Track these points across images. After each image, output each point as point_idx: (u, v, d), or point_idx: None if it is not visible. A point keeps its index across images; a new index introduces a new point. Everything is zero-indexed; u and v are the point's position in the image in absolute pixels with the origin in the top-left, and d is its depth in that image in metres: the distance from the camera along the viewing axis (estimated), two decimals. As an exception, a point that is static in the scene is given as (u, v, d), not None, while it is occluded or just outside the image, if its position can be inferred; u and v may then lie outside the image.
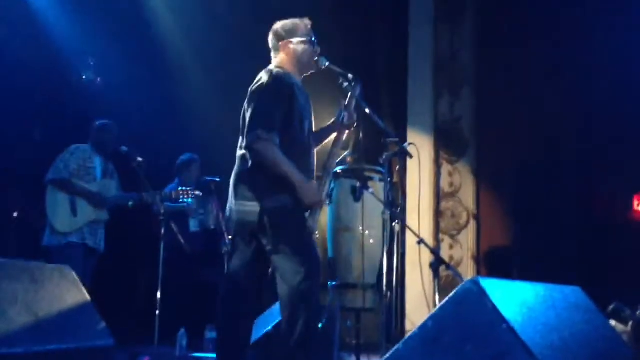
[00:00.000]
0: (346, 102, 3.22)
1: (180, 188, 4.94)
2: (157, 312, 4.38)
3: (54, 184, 4.59)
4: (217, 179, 5.09)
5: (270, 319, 3.73)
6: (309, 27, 3.17)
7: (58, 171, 4.60)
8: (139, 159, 4.70)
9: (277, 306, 3.25)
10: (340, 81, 3.24)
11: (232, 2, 6.04)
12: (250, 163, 2.93)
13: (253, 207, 2.90)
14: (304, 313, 2.82)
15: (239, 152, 3.03)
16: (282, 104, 2.94)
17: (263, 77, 3.02)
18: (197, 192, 4.92)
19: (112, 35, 6.22)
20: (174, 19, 6.31)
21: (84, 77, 6.46)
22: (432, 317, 2.31)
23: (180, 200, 4.95)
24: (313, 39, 3.16)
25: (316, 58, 3.15)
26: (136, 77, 6.13)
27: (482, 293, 2.21)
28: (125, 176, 4.96)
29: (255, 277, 3.02)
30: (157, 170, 5.24)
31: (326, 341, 3.71)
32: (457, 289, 2.29)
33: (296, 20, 3.17)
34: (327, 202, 3.98)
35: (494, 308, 2.17)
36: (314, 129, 3.18)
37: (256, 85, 3.00)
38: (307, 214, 2.94)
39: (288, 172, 2.88)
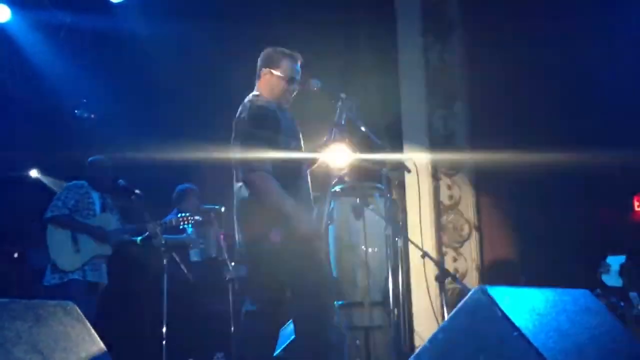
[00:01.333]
0: (335, 119, 3.23)
1: (179, 215, 4.92)
2: (164, 343, 4.33)
3: (53, 222, 4.57)
4: (216, 207, 5.08)
5: (281, 341, 3.69)
6: (296, 62, 3.15)
7: (57, 208, 4.58)
8: (137, 191, 4.70)
9: (289, 327, 3.23)
10: (333, 101, 3.25)
11: (224, 31, 6.07)
12: (247, 194, 2.95)
13: (258, 236, 2.90)
14: (319, 333, 2.81)
15: (236, 185, 3.04)
16: (266, 131, 2.96)
17: (244, 109, 3.05)
18: (196, 217, 4.91)
19: (104, 72, 6.26)
20: (165, 51, 6.34)
21: (77, 114, 6.49)
22: (442, 330, 2.29)
23: (181, 227, 4.93)
24: (295, 77, 3.13)
25: (294, 92, 3.15)
26: (129, 111, 6.15)
27: (491, 302, 2.19)
28: (124, 209, 4.95)
29: (273, 305, 3.00)
30: (156, 202, 5.23)
31: (336, 362, 3.67)
32: (465, 299, 2.27)
33: (285, 52, 3.16)
34: (328, 222, 3.97)
35: (504, 316, 2.15)
36: (303, 149, 3.18)
37: (239, 119, 3.03)
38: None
39: (279, 203, 2.87)
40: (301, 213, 2.90)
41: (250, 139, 2.95)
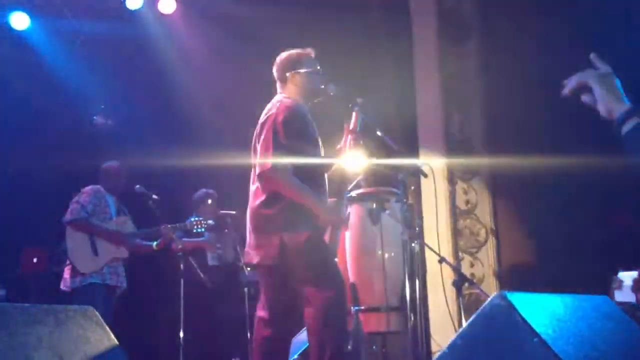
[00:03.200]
0: (351, 125, 3.24)
1: (193, 218, 4.96)
2: (181, 348, 4.35)
3: (72, 225, 4.62)
4: (233, 212, 5.10)
5: (296, 347, 3.68)
6: (313, 56, 3.21)
7: (76, 212, 4.64)
8: (154, 196, 4.74)
9: (303, 333, 3.23)
10: (350, 106, 3.27)
11: (240, 39, 6.11)
12: (264, 195, 2.94)
13: (272, 239, 2.90)
14: (332, 338, 2.81)
15: (252, 186, 3.04)
16: (293, 132, 2.96)
17: (273, 108, 3.04)
18: (209, 221, 4.94)
19: (121, 79, 6.31)
20: (182, 58, 6.38)
21: (95, 120, 6.55)
22: (461, 336, 2.27)
23: (194, 231, 4.97)
24: (319, 67, 3.19)
25: (323, 85, 3.18)
26: (147, 118, 6.20)
27: (511, 307, 2.17)
28: (141, 214, 4.98)
29: (286, 311, 3.00)
30: (174, 208, 5.26)
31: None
32: (484, 304, 2.26)
33: (300, 51, 3.21)
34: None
35: (524, 322, 2.13)
36: (323, 155, 3.19)
37: (266, 117, 3.03)
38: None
39: (304, 195, 2.89)
40: (325, 203, 2.91)
41: (275, 137, 2.94)
